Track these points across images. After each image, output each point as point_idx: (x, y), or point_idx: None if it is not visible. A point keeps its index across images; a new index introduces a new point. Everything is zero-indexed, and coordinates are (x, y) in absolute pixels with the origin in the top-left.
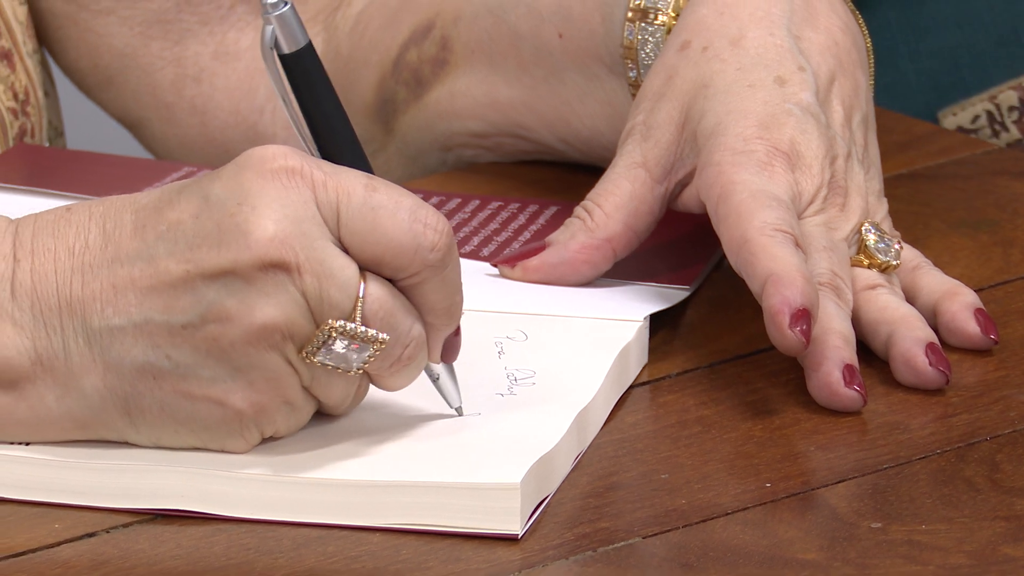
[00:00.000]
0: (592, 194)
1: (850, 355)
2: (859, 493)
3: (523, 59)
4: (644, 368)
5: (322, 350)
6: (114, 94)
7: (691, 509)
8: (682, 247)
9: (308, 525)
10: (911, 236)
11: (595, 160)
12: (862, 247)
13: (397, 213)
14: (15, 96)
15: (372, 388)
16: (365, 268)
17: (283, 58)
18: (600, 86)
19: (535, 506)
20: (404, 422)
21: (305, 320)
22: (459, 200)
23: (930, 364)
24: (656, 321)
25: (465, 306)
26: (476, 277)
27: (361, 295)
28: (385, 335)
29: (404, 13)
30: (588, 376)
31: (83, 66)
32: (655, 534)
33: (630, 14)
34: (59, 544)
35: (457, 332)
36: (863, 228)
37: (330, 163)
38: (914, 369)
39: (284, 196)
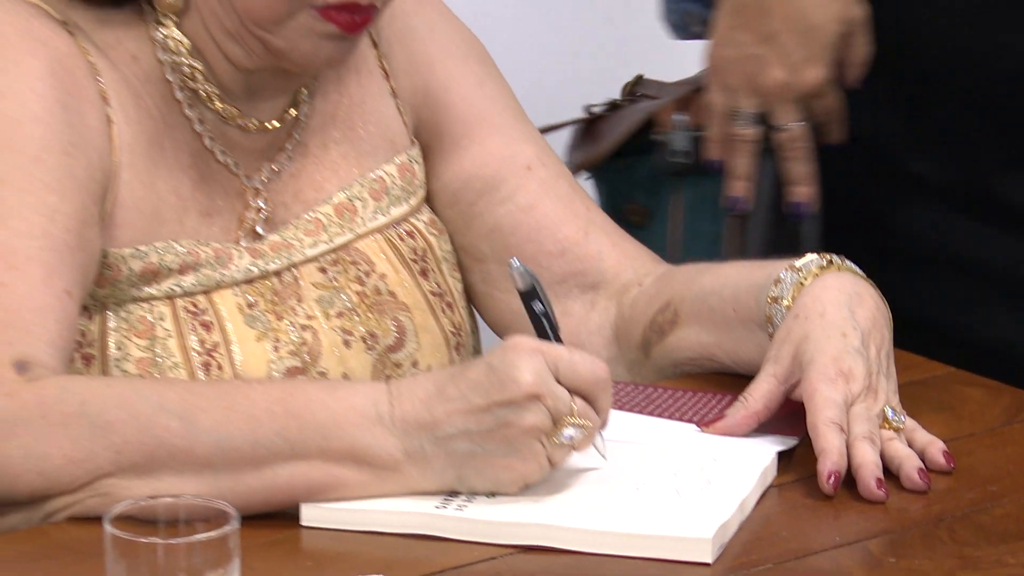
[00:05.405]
0: (747, 390)
1: (879, 473)
2: (883, 542)
3: (715, 321)
4: (774, 478)
5: (560, 435)
6: (511, 334)
7: (799, 549)
8: (794, 417)
9: (594, 554)
10: (910, 412)
11: (751, 373)
12: (884, 418)
13: (584, 364)
14: (453, 325)
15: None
16: (572, 392)
17: (521, 293)
18: (754, 336)
19: (719, 547)
20: (641, 498)
21: (550, 422)
22: (683, 391)
23: (920, 479)
24: (781, 454)
25: (683, 445)
26: (689, 432)
27: (576, 407)
28: (588, 423)
29: (655, 298)
30: (746, 480)
31: (492, 319)
32: (782, 562)
33: (769, 300)
34: (475, 563)
35: (607, 418)
36: (885, 408)
37: (549, 343)
38: (912, 481)
39: (531, 361)
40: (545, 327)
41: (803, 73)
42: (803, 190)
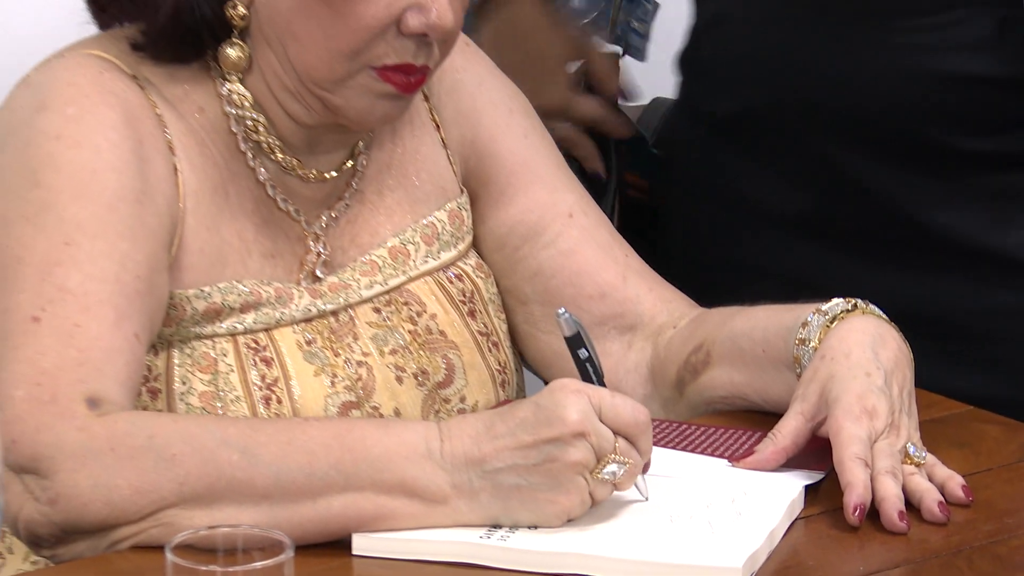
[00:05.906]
0: (776, 427)
1: (901, 506)
2: (905, 572)
3: (746, 362)
4: (802, 510)
5: (603, 471)
6: (552, 373)
7: None
8: (820, 452)
9: None
10: (930, 448)
11: (780, 411)
12: (906, 454)
13: (626, 407)
14: (499, 363)
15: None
16: (614, 432)
17: (568, 340)
18: (782, 376)
19: None
20: (675, 529)
21: (593, 458)
22: (715, 428)
23: (940, 512)
24: (808, 487)
25: (715, 479)
26: (721, 466)
27: (617, 444)
28: (630, 460)
29: (689, 339)
30: (775, 512)
31: (533, 358)
32: None
33: (797, 342)
34: None
35: (649, 460)
36: (907, 444)
37: (591, 385)
38: (932, 514)
39: (577, 401)
40: (589, 372)
41: (543, 97)
42: (590, 165)
